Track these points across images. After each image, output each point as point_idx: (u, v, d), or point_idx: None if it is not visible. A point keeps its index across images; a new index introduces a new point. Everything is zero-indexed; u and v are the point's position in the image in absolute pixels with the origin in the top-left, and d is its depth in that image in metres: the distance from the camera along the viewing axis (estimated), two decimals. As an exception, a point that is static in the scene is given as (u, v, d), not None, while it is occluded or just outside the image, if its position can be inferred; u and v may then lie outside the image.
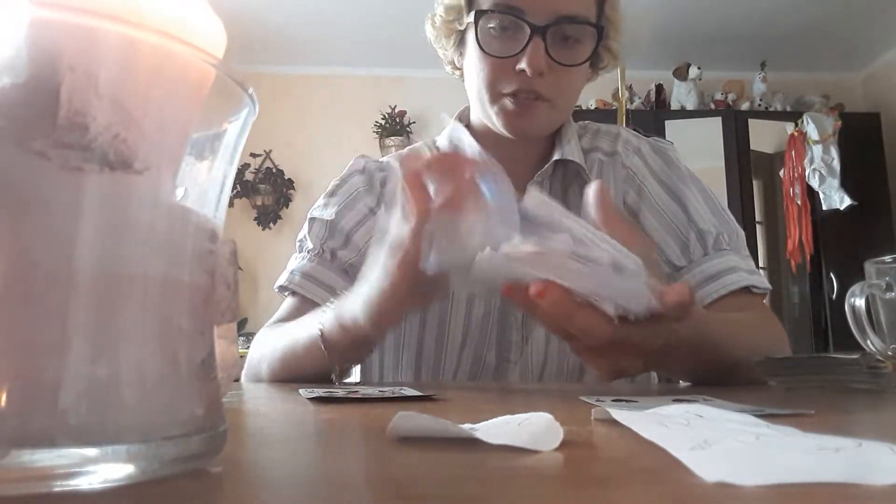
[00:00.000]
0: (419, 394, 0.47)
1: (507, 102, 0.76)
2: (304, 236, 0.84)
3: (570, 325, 0.43)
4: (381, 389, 0.49)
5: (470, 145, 0.82)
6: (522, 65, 0.73)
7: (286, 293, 0.83)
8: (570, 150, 0.83)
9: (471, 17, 0.77)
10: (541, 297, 0.41)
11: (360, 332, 0.59)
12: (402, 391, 0.48)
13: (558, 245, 0.40)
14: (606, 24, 0.79)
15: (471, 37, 0.78)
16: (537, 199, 0.44)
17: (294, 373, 0.69)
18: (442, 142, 0.89)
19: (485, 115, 0.81)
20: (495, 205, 0.43)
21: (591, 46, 0.76)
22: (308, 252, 0.83)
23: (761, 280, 0.77)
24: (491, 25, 0.75)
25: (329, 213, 0.84)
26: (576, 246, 0.41)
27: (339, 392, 0.47)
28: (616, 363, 0.49)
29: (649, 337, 0.46)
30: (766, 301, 0.82)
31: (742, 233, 0.82)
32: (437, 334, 0.80)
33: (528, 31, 0.73)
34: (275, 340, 0.73)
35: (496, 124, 0.79)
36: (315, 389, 0.48)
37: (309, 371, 0.66)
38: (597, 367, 0.50)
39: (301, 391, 0.48)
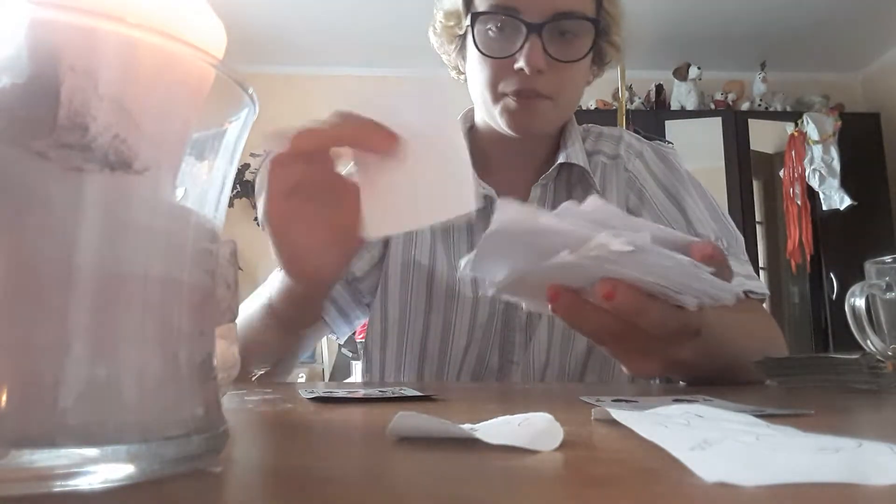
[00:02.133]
0: (419, 394, 0.47)
1: (510, 101, 0.76)
2: None
3: (642, 319, 0.42)
4: (381, 389, 0.49)
5: None
6: (521, 63, 0.73)
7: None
8: (574, 152, 0.83)
9: (468, 20, 0.77)
10: (610, 298, 0.40)
11: (295, 289, 0.59)
12: (403, 391, 0.48)
13: (646, 243, 0.37)
14: (606, 18, 0.79)
15: (470, 40, 0.78)
16: (597, 203, 0.41)
17: (252, 351, 0.66)
18: None
19: (489, 116, 0.81)
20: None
21: (590, 41, 0.76)
22: None
23: (759, 285, 0.78)
24: (488, 27, 0.76)
25: None
26: (659, 243, 0.38)
27: (340, 392, 0.47)
28: (664, 356, 0.48)
29: (695, 317, 0.45)
30: (765, 303, 0.82)
31: (741, 238, 0.82)
32: (441, 337, 0.80)
33: (524, 30, 0.73)
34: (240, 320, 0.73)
35: (500, 124, 0.79)
36: (315, 389, 0.48)
37: (268, 347, 0.67)
38: (642, 368, 0.49)
39: (301, 391, 0.48)
